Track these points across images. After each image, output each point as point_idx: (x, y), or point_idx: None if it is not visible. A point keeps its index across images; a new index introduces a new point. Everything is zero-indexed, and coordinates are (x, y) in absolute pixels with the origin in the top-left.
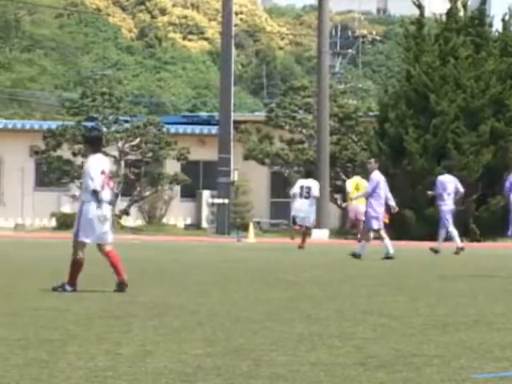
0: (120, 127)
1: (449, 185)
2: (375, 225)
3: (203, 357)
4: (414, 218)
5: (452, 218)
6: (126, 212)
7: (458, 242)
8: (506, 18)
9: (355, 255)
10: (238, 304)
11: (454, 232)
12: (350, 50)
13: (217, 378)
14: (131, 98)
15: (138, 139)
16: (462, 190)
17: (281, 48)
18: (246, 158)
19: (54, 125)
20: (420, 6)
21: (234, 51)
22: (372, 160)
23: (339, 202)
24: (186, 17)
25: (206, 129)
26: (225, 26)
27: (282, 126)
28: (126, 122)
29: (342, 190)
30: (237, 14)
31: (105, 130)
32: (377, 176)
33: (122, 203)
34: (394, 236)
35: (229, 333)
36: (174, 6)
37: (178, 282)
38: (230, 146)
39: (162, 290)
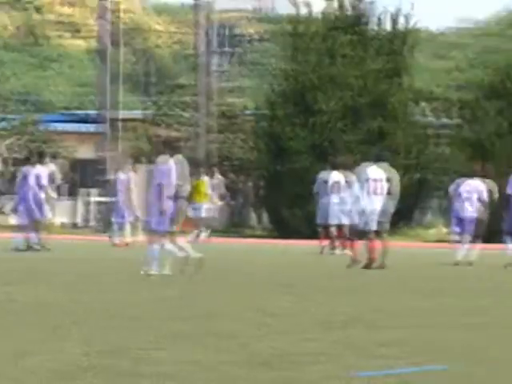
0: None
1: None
2: None
3: (80, 355)
4: (297, 216)
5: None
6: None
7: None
8: (387, 17)
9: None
10: (114, 302)
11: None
12: (227, 49)
13: (95, 376)
14: (7, 97)
15: (14, 137)
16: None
17: (159, 46)
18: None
19: None
20: (296, 5)
21: (110, 49)
22: None
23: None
24: (63, 14)
25: (83, 127)
26: (101, 24)
27: (159, 124)
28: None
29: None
30: (114, 11)
31: None
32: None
33: None
34: (280, 235)
35: (106, 331)
36: (50, 3)
37: (55, 280)
38: (108, 144)
39: (40, 288)
